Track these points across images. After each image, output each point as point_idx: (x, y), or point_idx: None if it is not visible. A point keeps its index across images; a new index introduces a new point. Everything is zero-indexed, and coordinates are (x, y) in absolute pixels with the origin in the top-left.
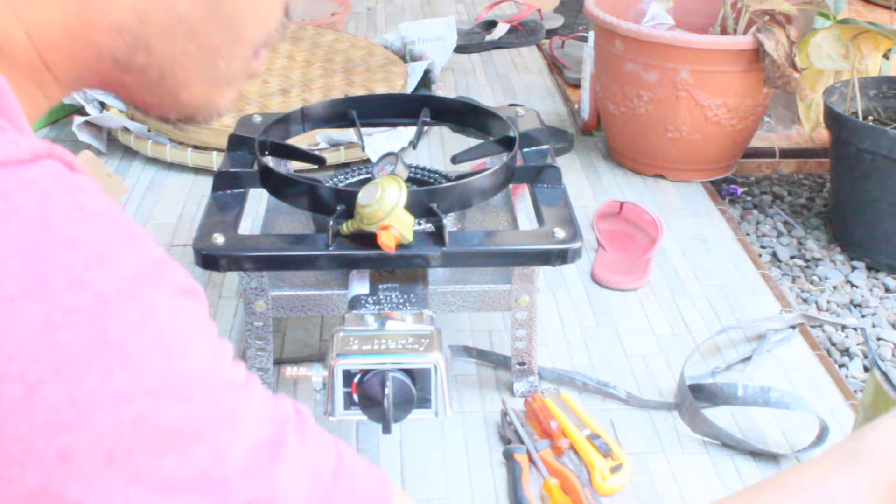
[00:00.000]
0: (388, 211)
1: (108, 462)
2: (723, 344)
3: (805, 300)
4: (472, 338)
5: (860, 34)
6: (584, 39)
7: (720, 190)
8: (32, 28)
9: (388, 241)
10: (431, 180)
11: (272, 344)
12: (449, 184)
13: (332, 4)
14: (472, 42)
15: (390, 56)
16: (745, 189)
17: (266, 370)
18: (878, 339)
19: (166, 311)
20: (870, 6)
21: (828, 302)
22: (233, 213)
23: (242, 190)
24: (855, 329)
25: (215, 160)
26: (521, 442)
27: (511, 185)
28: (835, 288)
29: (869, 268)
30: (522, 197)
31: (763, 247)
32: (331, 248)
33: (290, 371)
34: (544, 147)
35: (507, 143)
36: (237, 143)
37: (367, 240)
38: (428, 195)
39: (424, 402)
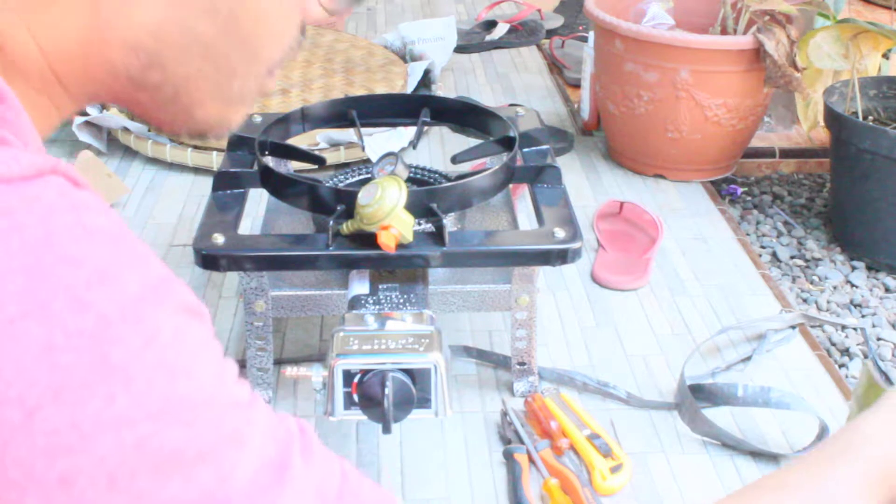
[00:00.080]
0: (388, 211)
1: (109, 486)
2: (723, 344)
3: (805, 300)
4: (472, 338)
5: (860, 34)
6: (584, 39)
7: (720, 190)
8: (45, 43)
9: (388, 241)
10: (431, 180)
11: (272, 344)
12: (449, 184)
13: None
14: (472, 42)
15: (390, 56)
16: (745, 189)
17: (266, 370)
18: (878, 339)
19: (169, 332)
20: (870, 6)
21: (828, 302)
22: (233, 213)
23: (242, 190)
24: (855, 329)
25: (215, 160)
26: (521, 442)
27: (511, 185)
28: (835, 288)
29: (869, 268)
30: (522, 197)
31: (763, 247)
32: (331, 248)
33: (290, 371)
34: (544, 147)
35: (507, 143)
36: (237, 143)
37: (367, 240)
38: (428, 195)
39: (424, 402)
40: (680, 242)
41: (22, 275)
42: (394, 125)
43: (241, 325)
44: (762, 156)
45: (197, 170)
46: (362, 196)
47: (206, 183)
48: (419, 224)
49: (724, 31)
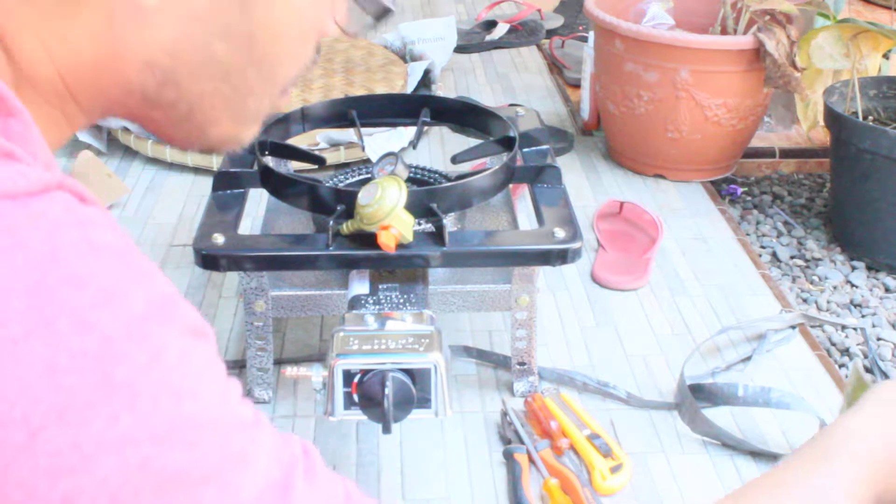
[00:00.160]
0: (388, 211)
1: None
2: (723, 344)
3: (805, 300)
4: (472, 338)
5: (860, 34)
6: (584, 39)
7: (720, 190)
8: (59, 59)
9: (388, 241)
10: (431, 180)
11: (272, 344)
12: (449, 184)
13: None
14: (472, 42)
15: (390, 56)
16: (745, 189)
17: (266, 370)
18: (878, 339)
19: (174, 352)
20: (870, 6)
21: (828, 302)
22: (233, 213)
23: (242, 190)
24: (855, 329)
25: (215, 160)
26: (521, 442)
27: (511, 185)
28: (835, 288)
29: (869, 268)
30: (522, 197)
31: (763, 247)
32: (331, 248)
33: (290, 371)
34: (544, 147)
35: (507, 143)
36: None
37: (367, 240)
38: (428, 195)
39: (424, 402)
40: (680, 242)
41: (26, 293)
42: (394, 125)
43: (241, 325)
44: (762, 156)
45: (197, 170)
46: (362, 196)
47: (206, 183)
48: (419, 224)
49: (724, 31)
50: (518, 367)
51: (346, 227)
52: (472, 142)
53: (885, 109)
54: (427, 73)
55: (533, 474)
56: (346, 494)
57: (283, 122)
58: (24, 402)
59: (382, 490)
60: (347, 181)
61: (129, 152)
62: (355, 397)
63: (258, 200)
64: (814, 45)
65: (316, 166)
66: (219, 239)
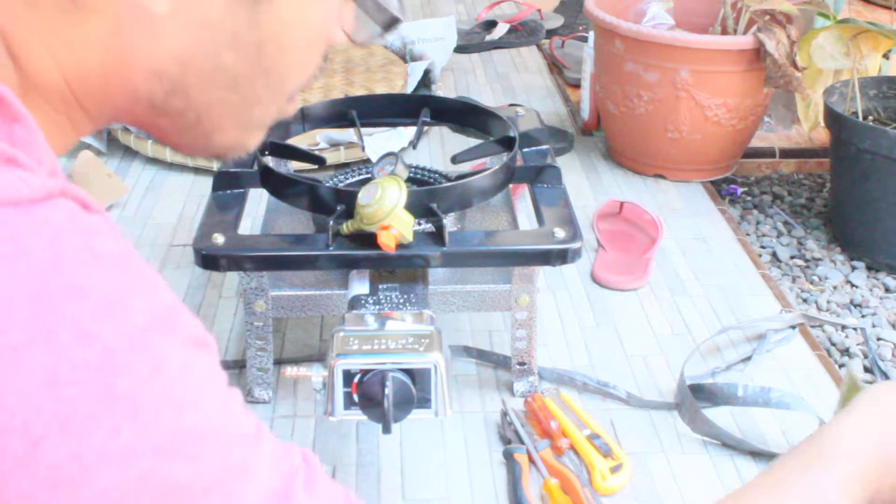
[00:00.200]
0: (388, 211)
1: None
2: (723, 344)
3: (805, 300)
4: (472, 338)
5: (860, 34)
6: (584, 39)
7: (720, 190)
8: (67, 67)
9: (388, 241)
10: (431, 180)
11: (272, 344)
12: (449, 184)
13: None
14: (472, 42)
15: (390, 56)
16: (745, 189)
17: (266, 370)
18: (878, 339)
19: (176, 364)
20: (870, 6)
21: (828, 302)
22: (233, 213)
23: (242, 190)
24: (855, 329)
25: (215, 160)
26: (521, 442)
27: (511, 185)
28: (835, 288)
29: (869, 268)
30: (522, 197)
31: (763, 247)
32: (331, 248)
33: (290, 371)
34: (544, 147)
35: (507, 143)
36: None
37: (367, 240)
38: (428, 195)
39: (424, 402)
40: (680, 242)
41: (28, 302)
42: (394, 125)
43: (241, 325)
44: (762, 156)
45: (197, 170)
46: (362, 196)
47: (206, 183)
48: (419, 224)
49: (724, 31)
50: (518, 367)
51: (346, 227)
52: (472, 142)
53: (885, 109)
54: (427, 73)
55: (533, 474)
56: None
57: (283, 122)
58: (24, 411)
59: (382, 490)
60: (347, 181)
61: (129, 152)
62: (355, 397)
63: (258, 200)
64: (815, 44)
65: (316, 166)
66: (219, 239)
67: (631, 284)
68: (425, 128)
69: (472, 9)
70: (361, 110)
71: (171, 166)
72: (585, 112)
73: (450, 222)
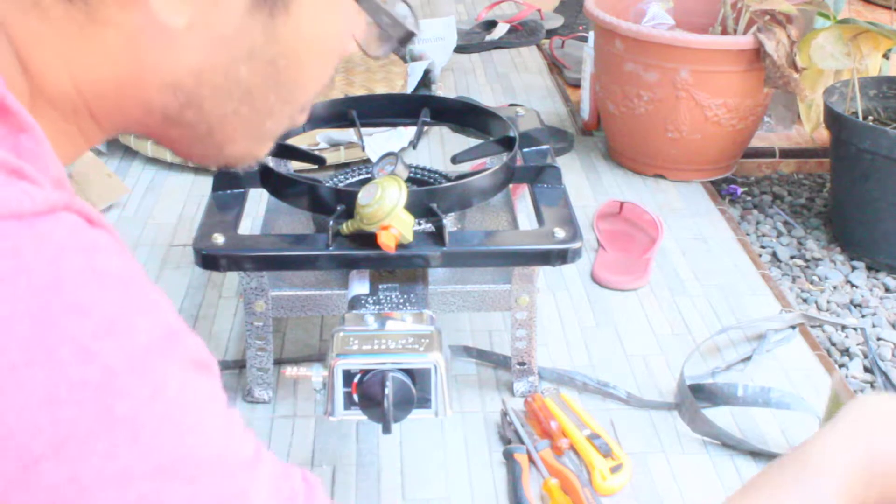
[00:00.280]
0: (388, 211)
1: None
2: (723, 344)
3: (805, 300)
4: (472, 338)
5: (860, 34)
6: (584, 39)
7: (720, 190)
8: (81, 80)
9: (388, 241)
10: (431, 180)
11: (272, 344)
12: (449, 184)
13: None
14: (472, 42)
15: (390, 56)
16: (745, 189)
17: (266, 370)
18: (878, 339)
19: (176, 386)
20: (870, 6)
21: (828, 302)
22: (233, 213)
23: (242, 190)
24: (855, 329)
25: None
26: (521, 442)
27: (511, 185)
28: (835, 288)
29: (869, 268)
30: (522, 197)
31: (763, 247)
32: (331, 248)
33: (290, 371)
34: (544, 147)
35: (507, 143)
36: None
37: (367, 240)
38: (428, 195)
39: (424, 402)
40: (680, 242)
41: (28, 320)
42: (394, 125)
43: (241, 325)
44: (762, 156)
45: (197, 170)
46: (362, 196)
47: (206, 183)
48: (419, 224)
49: (724, 31)
50: (518, 367)
51: (346, 227)
52: (472, 142)
53: (885, 109)
54: (427, 73)
55: (533, 474)
56: None
57: None
58: (21, 431)
59: (382, 490)
60: (347, 181)
61: (129, 152)
62: (355, 397)
63: (258, 200)
64: (815, 44)
65: (316, 166)
66: (219, 239)
67: (631, 284)
68: (425, 128)
69: (472, 9)
70: (361, 110)
71: (171, 166)
72: (585, 112)
73: (450, 222)
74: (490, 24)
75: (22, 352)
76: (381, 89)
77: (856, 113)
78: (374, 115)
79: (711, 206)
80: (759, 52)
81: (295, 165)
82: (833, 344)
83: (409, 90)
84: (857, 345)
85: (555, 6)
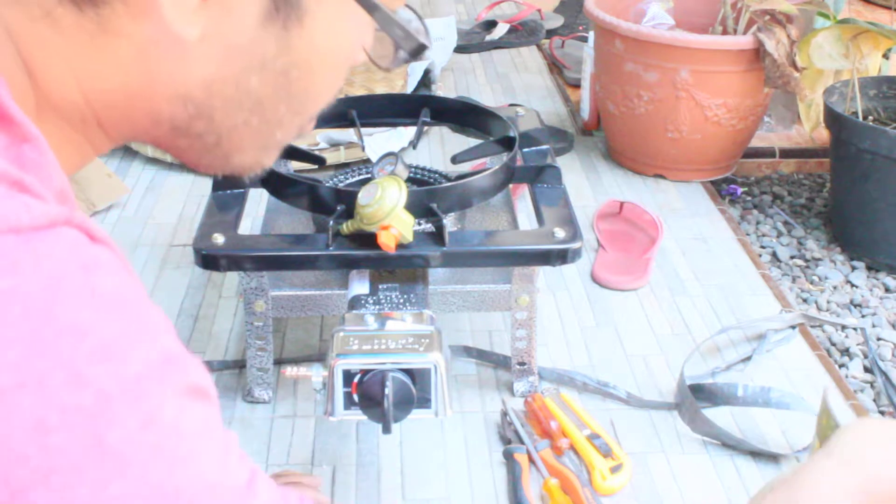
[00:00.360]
0: (388, 211)
1: None
2: (723, 344)
3: (805, 300)
4: (472, 338)
5: (860, 34)
6: (584, 39)
7: (720, 190)
8: (88, 88)
9: (388, 241)
10: (431, 180)
11: (272, 344)
12: (449, 184)
13: None
14: (472, 42)
15: None
16: (745, 189)
17: (266, 370)
18: (878, 339)
19: (171, 414)
20: (870, 6)
21: (828, 302)
22: (233, 213)
23: (242, 190)
24: (855, 329)
25: None
26: (521, 442)
27: (511, 185)
28: (835, 288)
29: (869, 268)
30: (522, 197)
31: (763, 247)
32: (331, 248)
33: (290, 371)
34: (544, 147)
35: (507, 143)
36: None
37: (367, 240)
38: (428, 195)
39: (424, 402)
40: (680, 242)
41: (21, 343)
42: (394, 125)
43: (241, 325)
44: (762, 156)
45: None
46: (362, 196)
47: (206, 183)
48: (419, 224)
49: (724, 31)
50: (518, 367)
51: (346, 227)
52: (472, 142)
53: (885, 109)
54: (427, 73)
55: (533, 474)
56: None
57: None
58: (8, 459)
59: (382, 490)
60: (347, 181)
61: (129, 152)
62: (355, 397)
63: (258, 200)
64: (813, 44)
65: (316, 166)
66: (219, 239)
67: (631, 284)
68: (425, 128)
69: (472, 9)
70: (361, 110)
71: (171, 166)
72: (585, 112)
73: (450, 222)
74: (490, 24)
75: (12, 374)
76: (381, 89)
77: (856, 113)
78: (374, 115)
79: (711, 206)
80: (759, 52)
81: (295, 165)
82: (833, 344)
83: (409, 90)
84: (857, 345)
85: (555, 6)
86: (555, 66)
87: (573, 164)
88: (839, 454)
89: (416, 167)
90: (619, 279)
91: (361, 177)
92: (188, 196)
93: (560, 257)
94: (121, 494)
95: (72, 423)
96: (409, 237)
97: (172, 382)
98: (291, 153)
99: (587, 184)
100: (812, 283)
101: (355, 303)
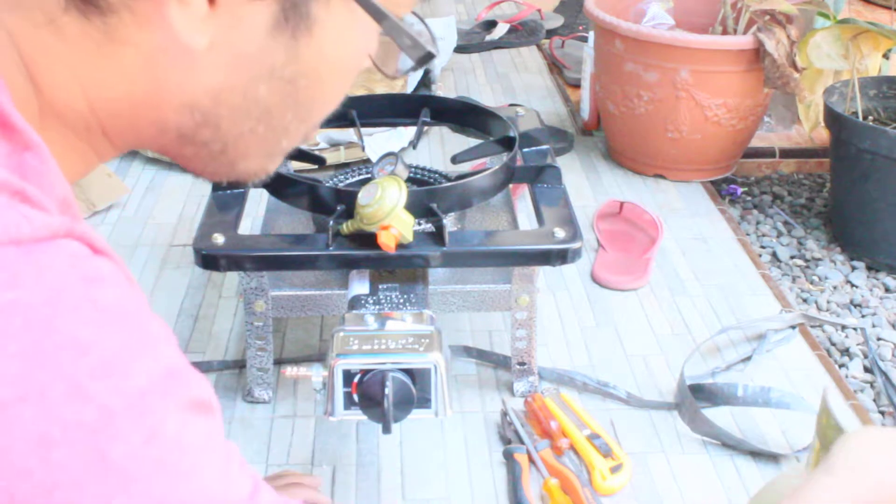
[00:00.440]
0: (388, 211)
1: None
2: (723, 344)
3: (805, 300)
4: (472, 338)
5: (860, 34)
6: (584, 39)
7: (720, 190)
8: (96, 100)
9: (388, 241)
10: (431, 180)
11: (272, 344)
12: (449, 184)
13: None
14: (472, 42)
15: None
16: (745, 189)
17: (266, 370)
18: (878, 339)
19: (174, 429)
20: (870, 6)
21: (828, 302)
22: (233, 213)
23: (242, 190)
24: (855, 329)
25: None
26: (521, 442)
27: (511, 185)
28: (835, 288)
29: (869, 268)
30: (522, 197)
31: (763, 247)
32: (331, 248)
33: (290, 371)
34: (544, 147)
35: (507, 143)
36: None
37: (367, 240)
38: (428, 195)
39: (424, 402)
40: (680, 242)
41: (22, 357)
42: (394, 125)
43: (241, 325)
44: (762, 156)
45: None
46: (362, 196)
47: (206, 183)
48: (419, 224)
49: (724, 31)
50: (518, 367)
51: (346, 227)
52: (472, 142)
53: (885, 109)
54: (427, 73)
55: (533, 474)
56: None
57: None
58: (9, 473)
59: (382, 490)
60: (347, 181)
61: (130, 152)
62: (355, 397)
63: (258, 200)
64: (812, 43)
65: (316, 166)
66: (219, 239)
67: (631, 284)
68: (425, 128)
69: (472, 9)
70: (361, 110)
71: (171, 166)
72: (585, 112)
73: (450, 222)
74: (490, 24)
75: (14, 388)
76: (381, 89)
77: (856, 113)
78: (374, 115)
79: (711, 206)
80: (759, 52)
81: (295, 165)
82: (833, 344)
83: (409, 90)
84: (857, 345)
85: (555, 6)
86: (555, 66)
87: (573, 164)
88: (840, 467)
89: (416, 167)
90: (619, 279)
91: (361, 177)
92: (188, 196)
93: (560, 257)
94: None
95: (74, 439)
96: (409, 237)
97: (175, 397)
98: (291, 153)
99: (587, 184)
100: (812, 283)
101: (355, 303)
